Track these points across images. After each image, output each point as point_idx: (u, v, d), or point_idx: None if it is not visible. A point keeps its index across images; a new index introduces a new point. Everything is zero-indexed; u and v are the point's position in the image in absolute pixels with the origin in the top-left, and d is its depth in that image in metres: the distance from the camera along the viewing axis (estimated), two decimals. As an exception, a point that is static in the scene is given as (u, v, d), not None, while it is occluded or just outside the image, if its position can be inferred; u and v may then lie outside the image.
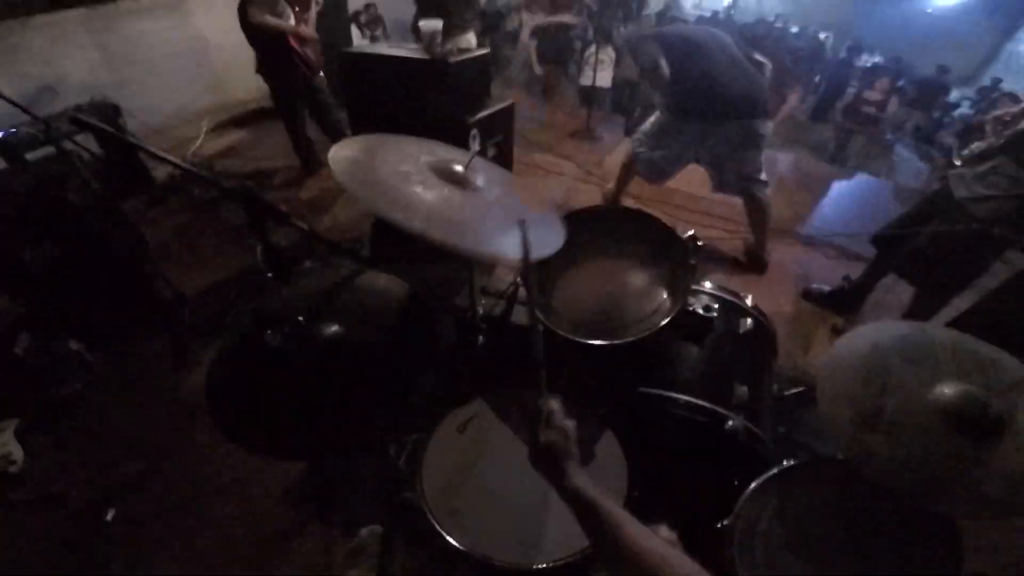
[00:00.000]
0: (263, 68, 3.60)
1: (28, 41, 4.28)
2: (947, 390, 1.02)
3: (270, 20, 3.31)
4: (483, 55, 2.68)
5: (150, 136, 4.32)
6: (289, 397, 1.00)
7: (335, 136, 3.77)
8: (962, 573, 1.05)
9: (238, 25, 3.33)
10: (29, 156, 2.88)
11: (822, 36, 9.88)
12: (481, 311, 1.55)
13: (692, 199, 3.85)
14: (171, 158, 1.00)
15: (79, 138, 2.56)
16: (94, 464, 1.97)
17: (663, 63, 2.76)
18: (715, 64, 2.81)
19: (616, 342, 1.14)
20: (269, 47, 3.45)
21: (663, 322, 1.15)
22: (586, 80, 6.09)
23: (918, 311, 2.48)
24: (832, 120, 6.33)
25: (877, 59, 8.29)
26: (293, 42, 3.45)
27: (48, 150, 2.76)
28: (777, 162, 4.89)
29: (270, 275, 1.02)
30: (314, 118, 3.82)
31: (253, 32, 3.34)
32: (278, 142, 4.16)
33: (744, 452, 1.26)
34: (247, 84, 4.80)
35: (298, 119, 3.78)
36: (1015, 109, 2.09)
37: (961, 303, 2.35)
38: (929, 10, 8.73)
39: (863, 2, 10.40)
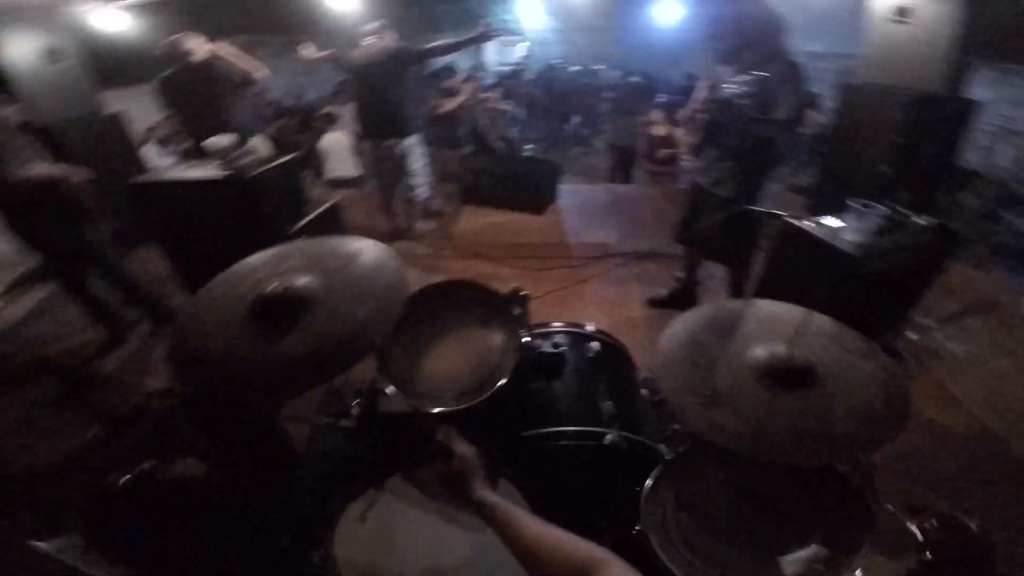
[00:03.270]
0: (23, 228, 2.81)
1: None
2: (756, 354, 1.14)
3: (41, 171, 2.62)
4: (287, 161, 2.62)
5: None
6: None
7: (135, 297, 3.19)
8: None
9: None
10: None
11: (596, 68, 11.61)
12: (356, 411, 1.55)
13: (523, 248, 4.21)
14: None
15: None
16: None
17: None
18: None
19: (475, 401, 1.21)
20: (31, 204, 2.69)
21: (507, 375, 1.24)
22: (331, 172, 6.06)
23: (735, 285, 2.90)
24: (639, 172, 6.17)
25: (636, 80, 9.56)
26: (67, 189, 2.73)
27: None
28: (594, 195, 5.51)
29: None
30: (102, 277, 3.09)
31: (15, 190, 2.60)
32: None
33: (633, 459, 1.35)
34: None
35: (84, 283, 3.05)
36: (688, 111, 2.55)
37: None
38: (663, 27, 10.43)
39: (618, 32, 12.33)
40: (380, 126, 3.84)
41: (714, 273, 3.22)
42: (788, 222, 2.12)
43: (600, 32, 12.63)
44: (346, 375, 1.57)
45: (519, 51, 15.48)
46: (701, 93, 2.69)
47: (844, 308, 1.32)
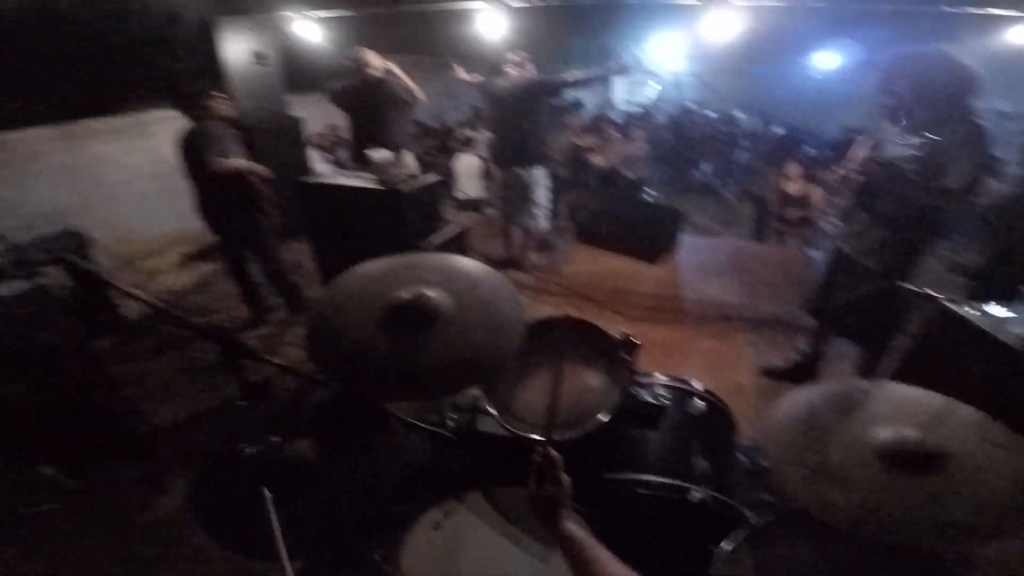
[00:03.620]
0: (211, 211, 3.26)
1: (4, 159, 4.31)
2: (882, 434, 1.08)
3: (238, 163, 3.07)
4: (434, 183, 2.90)
5: (119, 268, 4.38)
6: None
7: (281, 285, 3.58)
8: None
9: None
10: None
11: (738, 115, 11.08)
12: (453, 424, 1.65)
13: (632, 295, 4.13)
14: (152, 300, 1.13)
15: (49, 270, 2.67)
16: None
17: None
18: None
19: (568, 436, 1.23)
20: (226, 189, 3.12)
21: (608, 414, 1.26)
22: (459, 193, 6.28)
23: (867, 367, 2.60)
24: (766, 228, 5.78)
25: (780, 131, 8.67)
26: (255, 180, 3.20)
27: (17, 283, 2.85)
28: (716, 249, 5.25)
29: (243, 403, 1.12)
30: (260, 263, 3.53)
31: (213, 178, 3.02)
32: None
33: (717, 520, 1.32)
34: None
35: (246, 264, 3.54)
36: (843, 171, 2.33)
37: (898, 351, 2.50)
38: (818, 76, 9.61)
39: (763, 79, 11.58)
40: (511, 154, 4.01)
41: (843, 351, 2.93)
42: (944, 306, 1.87)
43: (743, 78, 12.17)
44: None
45: (650, 91, 15.42)
46: (860, 151, 2.43)
47: (999, 404, 1.17)
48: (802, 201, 5.13)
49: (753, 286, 4.28)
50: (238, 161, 3.10)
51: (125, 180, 5.11)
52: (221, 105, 3.17)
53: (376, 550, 1.35)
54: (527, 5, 4.46)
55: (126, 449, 2.49)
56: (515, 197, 4.15)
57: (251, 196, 3.21)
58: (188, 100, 3.09)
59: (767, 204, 5.66)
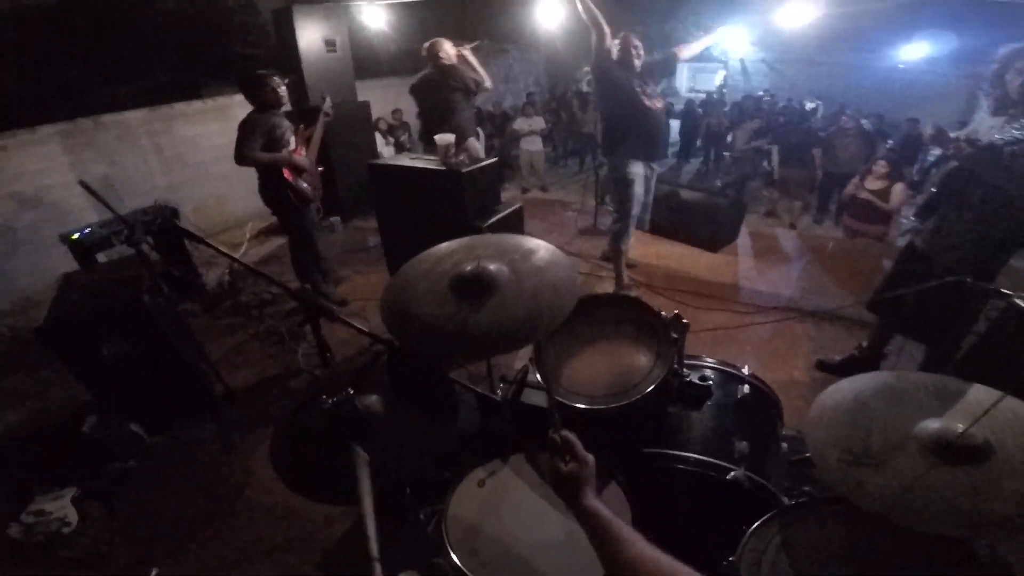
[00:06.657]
0: (262, 194, 3.37)
1: (99, 139, 4.69)
2: (928, 426, 1.09)
3: (260, 156, 3.08)
4: (491, 163, 2.98)
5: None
6: (337, 453, 1.16)
7: (300, 274, 3.61)
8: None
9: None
10: (100, 256, 3.22)
11: (810, 105, 10.41)
12: (500, 395, 1.75)
13: (686, 281, 4.08)
14: (248, 264, 1.26)
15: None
16: (141, 530, 2.18)
17: None
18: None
19: (610, 406, 1.30)
20: (264, 177, 3.26)
21: (650, 388, 1.32)
22: None
23: (932, 366, 2.52)
24: (838, 221, 5.57)
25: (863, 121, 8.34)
26: (287, 174, 3.21)
27: (114, 250, 3.15)
28: (779, 239, 5.11)
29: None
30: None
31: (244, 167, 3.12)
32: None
33: (752, 500, 1.35)
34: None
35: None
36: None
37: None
38: (901, 66, 8.95)
39: (840, 68, 10.86)
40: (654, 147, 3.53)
41: (907, 349, 2.81)
42: (1015, 304, 1.79)
43: (818, 67, 11.49)
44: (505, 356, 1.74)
45: (716, 79, 14.80)
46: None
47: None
48: (881, 196, 4.85)
49: (817, 279, 4.15)
50: (260, 155, 3.09)
51: (206, 160, 5.51)
52: (273, 94, 3.11)
53: (422, 507, 1.48)
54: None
55: (203, 410, 2.68)
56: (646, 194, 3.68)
57: (281, 187, 3.24)
58: (249, 86, 3.10)
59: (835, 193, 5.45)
